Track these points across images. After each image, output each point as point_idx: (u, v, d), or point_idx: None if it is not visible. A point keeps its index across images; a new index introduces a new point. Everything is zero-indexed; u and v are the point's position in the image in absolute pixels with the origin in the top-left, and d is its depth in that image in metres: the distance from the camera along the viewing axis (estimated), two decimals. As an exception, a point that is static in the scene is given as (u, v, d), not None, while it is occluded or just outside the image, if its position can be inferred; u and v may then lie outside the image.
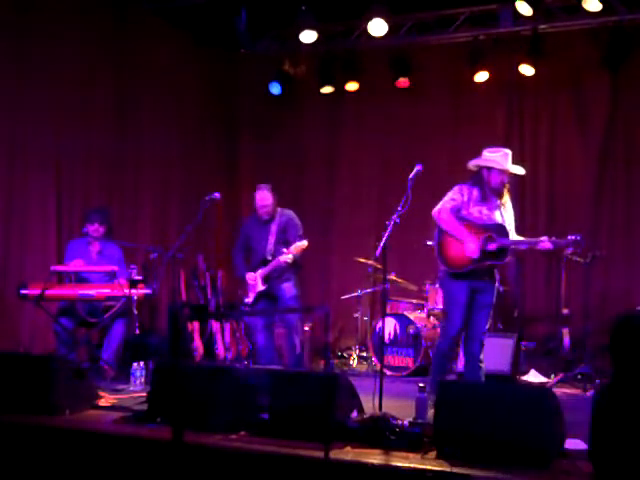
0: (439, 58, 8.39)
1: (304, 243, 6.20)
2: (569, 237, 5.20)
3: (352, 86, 8.56)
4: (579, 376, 6.40)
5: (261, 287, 6.40)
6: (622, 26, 7.34)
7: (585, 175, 7.93)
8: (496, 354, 6.36)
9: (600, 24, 7.48)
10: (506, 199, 5.47)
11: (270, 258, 6.35)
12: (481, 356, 5.40)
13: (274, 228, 6.42)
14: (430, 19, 8.22)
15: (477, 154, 5.63)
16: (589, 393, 5.90)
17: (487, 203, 5.39)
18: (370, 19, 7.69)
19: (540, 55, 7.62)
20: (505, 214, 5.43)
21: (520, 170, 5.48)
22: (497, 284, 5.46)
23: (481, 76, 7.93)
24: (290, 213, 6.53)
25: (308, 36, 8.02)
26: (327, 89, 8.64)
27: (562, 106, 8.06)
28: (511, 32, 7.92)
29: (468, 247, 5.28)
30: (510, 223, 5.46)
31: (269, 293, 6.42)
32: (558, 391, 5.30)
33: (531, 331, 7.73)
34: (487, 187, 5.35)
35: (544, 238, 5.29)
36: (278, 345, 7.49)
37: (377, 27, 7.71)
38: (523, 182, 8.18)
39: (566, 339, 6.97)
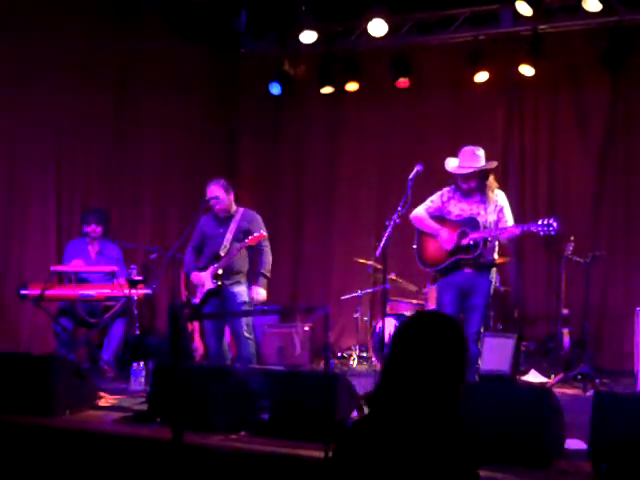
0: (439, 58, 8.38)
1: (262, 233, 5.84)
2: (540, 220, 5.17)
3: (352, 86, 8.54)
4: (579, 376, 6.40)
5: (210, 285, 5.92)
6: (622, 26, 7.33)
7: (585, 175, 7.91)
8: (496, 354, 6.36)
9: (600, 24, 7.46)
10: (493, 192, 5.50)
11: (223, 254, 5.92)
12: (477, 359, 5.41)
13: (233, 226, 6.00)
14: (430, 19, 8.21)
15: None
16: (589, 393, 5.90)
17: (467, 200, 5.52)
18: (370, 19, 7.69)
19: (540, 55, 7.60)
20: (489, 207, 5.45)
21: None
22: (491, 285, 5.48)
23: (481, 76, 7.91)
24: (255, 214, 6.15)
25: (308, 36, 8.01)
26: (327, 89, 8.62)
27: (562, 106, 8.04)
28: (511, 32, 7.90)
29: (442, 238, 5.46)
30: (500, 216, 5.47)
31: (220, 291, 5.97)
32: (558, 391, 5.28)
33: (531, 331, 7.74)
34: (459, 186, 5.54)
35: (512, 224, 5.34)
36: (280, 346, 7.49)
37: (377, 27, 7.70)
38: (523, 182, 8.19)
39: (566, 339, 6.96)
